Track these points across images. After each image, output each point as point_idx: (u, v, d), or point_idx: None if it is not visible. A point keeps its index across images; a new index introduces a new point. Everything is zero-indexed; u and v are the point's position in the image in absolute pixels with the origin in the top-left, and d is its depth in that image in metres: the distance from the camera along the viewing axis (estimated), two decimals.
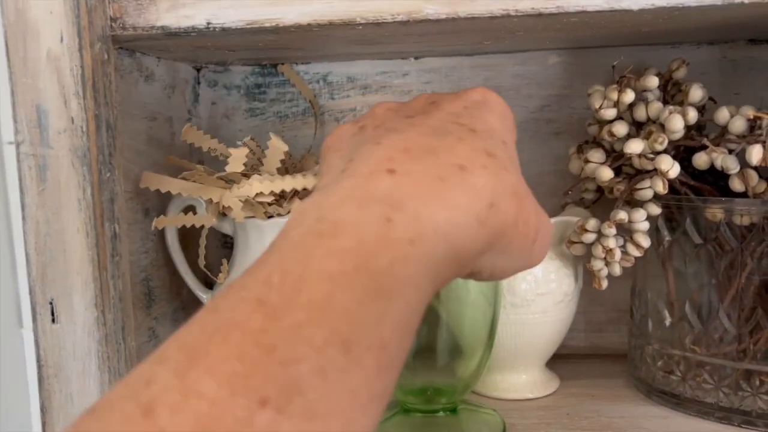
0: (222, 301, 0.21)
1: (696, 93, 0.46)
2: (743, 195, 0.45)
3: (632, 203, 0.48)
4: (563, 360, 0.56)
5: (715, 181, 0.48)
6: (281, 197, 0.47)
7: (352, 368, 0.20)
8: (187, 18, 0.40)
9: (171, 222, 0.48)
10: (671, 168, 0.43)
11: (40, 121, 0.40)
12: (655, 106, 0.46)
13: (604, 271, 0.48)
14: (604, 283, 0.49)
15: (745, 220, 0.45)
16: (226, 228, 0.52)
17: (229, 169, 0.46)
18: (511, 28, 0.45)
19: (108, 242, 0.41)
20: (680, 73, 0.50)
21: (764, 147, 0.42)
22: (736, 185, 0.44)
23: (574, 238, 0.48)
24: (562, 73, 0.59)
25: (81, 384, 0.41)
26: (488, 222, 0.26)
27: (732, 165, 0.43)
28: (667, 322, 0.49)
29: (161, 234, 0.53)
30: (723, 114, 0.45)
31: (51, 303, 0.41)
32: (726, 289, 0.47)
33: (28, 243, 0.41)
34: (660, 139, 0.45)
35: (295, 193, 0.48)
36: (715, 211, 0.46)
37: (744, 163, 0.44)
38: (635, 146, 0.44)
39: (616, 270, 0.47)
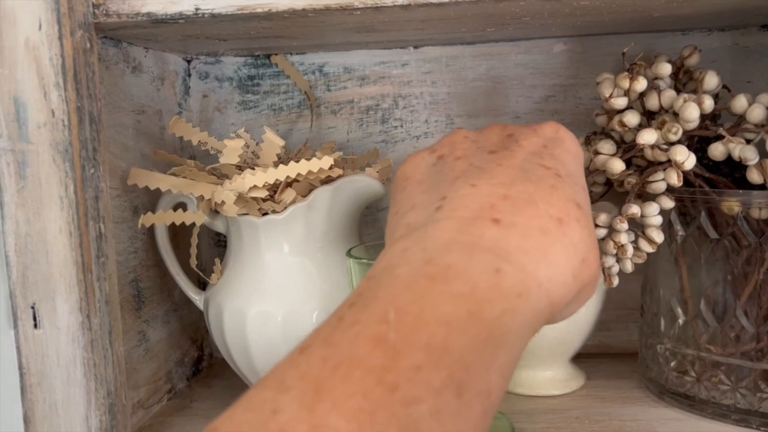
0: (336, 334, 0.22)
1: (711, 80, 0.44)
2: (761, 187, 0.43)
3: (644, 197, 0.46)
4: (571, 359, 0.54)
5: (731, 173, 0.46)
6: (275, 191, 0.45)
7: (463, 412, 0.21)
8: (174, 3, 0.38)
9: (159, 219, 0.45)
10: (687, 159, 0.41)
11: (19, 115, 0.37)
12: (669, 95, 0.44)
13: (615, 268, 0.46)
14: (615, 281, 0.47)
15: (764, 214, 0.43)
16: (219, 226, 0.50)
17: (223, 160, 0.44)
18: (517, 13, 0.43)
19: (93, 242, 0.39)
20: (692, 60, 0.48)
21: None
22: (754, 176, 0.42)
23: None
24: (568, 61, 0.57)
25: (66, 393, 0.39)
26: (580, 276, 0.27)
27: (750, 155, 0.41)
28: (681, 320, 0.47)
29: (151, 233, 0.50)
30: (740, 102, 0.43)
31: (33, 307, 0.39)
32: (743, 286, 0.44)
33: (8, 244, 0.38)
34: (674, 129, 0.42)
35: (288, 185, 0.45)
36: (732, 204, 0.44)
37: (763, 154, 0.42)
38: (649, 136, 0.42)
39: (628, 267, 0.45)
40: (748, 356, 0.44)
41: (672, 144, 0.43)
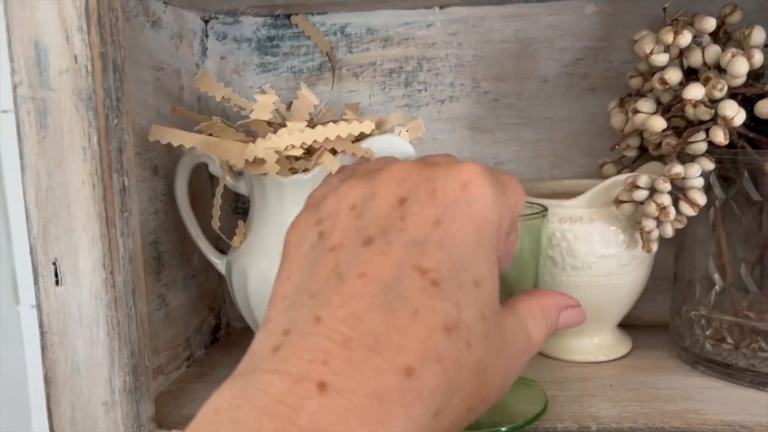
0: None
1: (759, 35, 0.42)
2: None
3: (682, 159, 0.45)
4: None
5: None
6: (309, 152, 0.43)
7: None
8: None
9: (174, 137, 0.43)
10: (737, 114, 0.39)
11: (39, 60, 0.35)
12: (713, 50, 0.42)
13: (655, 233, 0.44)
14: (654, 246, 0.45)
15: None
16: (241, 187, 0.48)
17: (254, 116, 0.42)
18: None
19: (117, 196, 0.37)
20: (734, 18, 0.46)
21: None
22: None
23: (624, 196, 0.44)
24: (599, 24, 0.55)
25: (88, 353, 0.37)
26: (434, 428, 0.23)
27: None
28: (718, 286, 0.46)
29: (171, 194, 0.49)
30: None
31: (54, 263, 0.37)
32: None
33: (28, 197, 0.37)
34: (719, 86, 0.41)
35: (321, 149, 0.44)
36: None
37: None
38: (696, 91, 0.40)
39: (669, 231, 0.43)
40: None
41: (716, 101, 0.41)
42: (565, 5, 0.55)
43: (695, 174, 0.42)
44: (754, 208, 0.44)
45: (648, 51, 0.43)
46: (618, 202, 0.45)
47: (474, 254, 0.25)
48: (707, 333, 0.47)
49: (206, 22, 0.58)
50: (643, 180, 0.43)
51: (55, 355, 0.38)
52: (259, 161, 0.42)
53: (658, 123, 0.43)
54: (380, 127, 0.48)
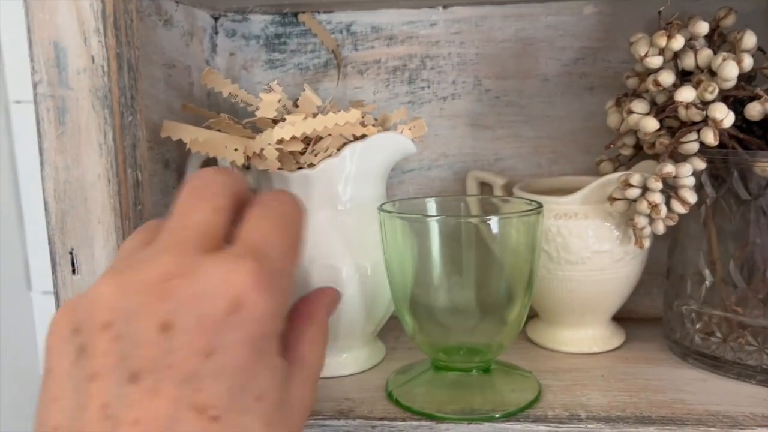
0: None
1: (750, 39, 0.43)
2: None
3: (675, 158, 0.46)
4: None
5: (764, 135, 0.46)
6: (311, 144, 0.45)
7: None
8: None
9: (185, 133, 0.44)
10: (726, 117, 0.41)
11: (59, 60, 0.37)
12: (706, 53, 0.43)
13: (647, 230, 0.46)
14: (647, 243, 0.47)
15: None
16: (248, 181, 0.50)
17: (260, 114, 0.44)
18: None
19: (130, 190, 0.39)
20: (728, 22, 0.47)
21: None
22: None
23: (617, 194, 0.46)
24: (598, 24, 0.57)
25: None
26: None
27: None
28: (708, 282, 0.47)
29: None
30: None
31: (71, 253, 0.39)
32: None
33: (47, 190, 0.39)
34: (710, 88, 0.42)
35: (318, 139, 0.45)
36: (766, 166, 0.43)
37: None
38: (687, 94, 0.42)
39: (660, 228, 0.45)
40: None
41: (707, 103, 0.43)
42: (565, 5, 0.56)
43: (687, 173, 0.44)
44: (743, 206, 0.45)
45: (643, 53, 0.45)
46: (611, 199, 0.46)
47: (252, 371, 0.24)
48: (697, 327, 0.48)
49: (216, 19, 0.59)
50: (636, 179, 0.44)
51: None
52: (263, 157, 0.44)
53: (651, 124, 0.44)
54: (384, 124, 0.50)
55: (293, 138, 0.43)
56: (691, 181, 0.44)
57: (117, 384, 0.23)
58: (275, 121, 0.46)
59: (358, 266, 0.46)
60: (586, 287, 0.49)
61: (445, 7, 0.58)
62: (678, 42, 0.43)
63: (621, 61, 0.57)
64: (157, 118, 0.47)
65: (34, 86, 0.38)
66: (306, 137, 0.44)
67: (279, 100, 0.45)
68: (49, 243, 0.39)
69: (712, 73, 0.44)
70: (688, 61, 0.44)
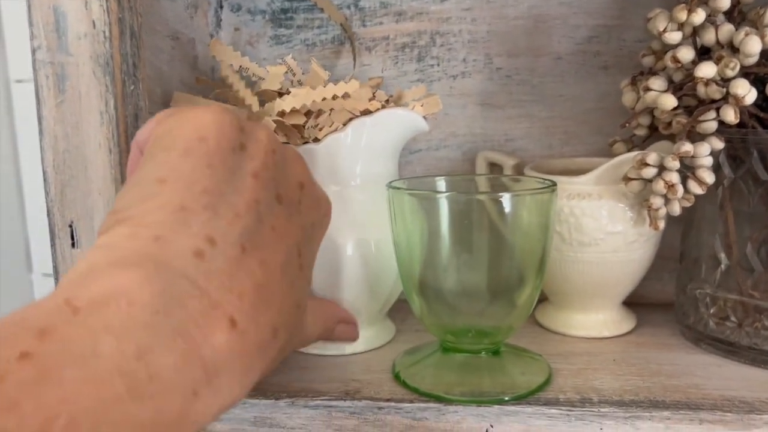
0: None
1: None
2: None
3: (692, 138, 0.45)
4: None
5: None
6: (313, 118, 0.44)
7: None
8: None
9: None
10: (748, 93, 0.39)
11: (58, 25, 0.36)
12: (727, 28, 0.42)
13: (663, 211, 0.45)
14: (661, 224, 0.45)
15: None
16: None
17: (264, 86, 0.42)
18: None
19: None
20: None
21: None
22: None
23: (632, 174, 0.44)
24: (613, 2, 0.55)
25: None
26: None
27: None
28: (724, 265, 0.46)
29: None
30: None
31: (71, 226, 0.38)
32: None
33: (45, 160, 0.37)
34: (732, 65, 0.41)
35: (320, 113, 0.44)
36: None
37: None
38: (708, 69, 0.40)
39: (676, 209, 0.44)
40: None
41: (728, 80, 0.41)
42: None
43: (705, 153, 0.43)
44: (762, 188, 0.44)
45: (661, 29, 0.43)
46: (627, 179, 0.45)
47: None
48: (711, 311, 0.47)
49: None
50: (652, 158, 0.43)
51: None
52: None
53: (669, 101, 0.43)
54: (398, 101, 0.48)
55: (294, 111, 0.41)
56: (709, 161, 0.43)
57: (268, 195, 0.27)
58: (281, 95, 0.45)
59: (363, 243, 0.45)
60: (598, 269, 0.48)
61: None
62: (699, 16, 0.42)
63: (636, 40, 0.55)
64: (160, 91, 0.46)
65: (33, 52, 0.36)
66: (308, 111, 0.43)
67: (287, 72, 0.43)
68: (48, 215, 0.38)
69: (733, 50, 0.42)
70: (708, 37, 0.43)
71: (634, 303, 0.54)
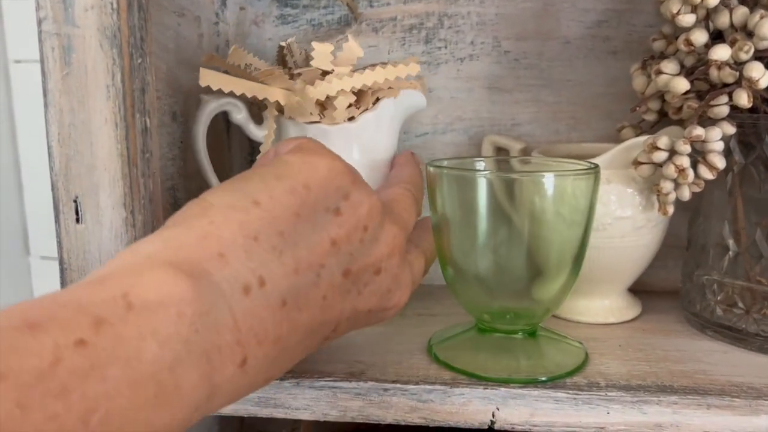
0: None
1: None
2: None
3: (702, 124, 0.44)
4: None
5: None
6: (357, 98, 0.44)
7: None
8: None
9: (226, 83, 0.43)
10: (762, 76, 0.39)
11: None
12: (741, 11, 0.41)
13: (672, 196, 0.44)
14: (671, 209, 0.45)
15: None
16: (259, 137, 0.48)
17: (314, 64, 0.43)
18: None
19: (138, 136, 0.37)
20: None
21: None
22: None
23: (642, 158, 0.44)
24: None
25: None
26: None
27: None
28: (732, 252, 0.46)
29: (188, 142, 0.49)
30: None
31: (75, 201, 0.37)
32: None
33: (50, 134, 0.37)
34: (746, 48, 0.40)
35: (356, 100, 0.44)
36: None
37: None
38: (722, 52, 0.40)
39: (686, 194, 0.43)
40: None
41: (741, 64, 0.41)
42: None
43: (716, 137, 0.42)
44: None
45: (674, 11, 0.43)
46: (637, 163, 0.45)
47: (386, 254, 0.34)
48: (718, 298, 0.47)
49: None
50: (663, 141, 0.42)
51: None
52: (297, 108, 0.42)
53: (682, 84, 0.42)
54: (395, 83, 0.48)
55: (341, 91, 0.42)
56: (720, 145, 0.43)
57: (333, 269, 0.29)
58: (291, 76, 0.44)
59: None
60: (605, 255, 0.47)
61: None
62: None
63: (646, 25, 0.55)
64: (166, 68, 0.45)
65: (39, 23, 0.36)
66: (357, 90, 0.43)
67: (287, 55, 0.43)
68: (53, 190, 0.37)
69: (747, 33, 0.42)
70: (722, 20, 0.42)
71: (637, 290, 0.54)
